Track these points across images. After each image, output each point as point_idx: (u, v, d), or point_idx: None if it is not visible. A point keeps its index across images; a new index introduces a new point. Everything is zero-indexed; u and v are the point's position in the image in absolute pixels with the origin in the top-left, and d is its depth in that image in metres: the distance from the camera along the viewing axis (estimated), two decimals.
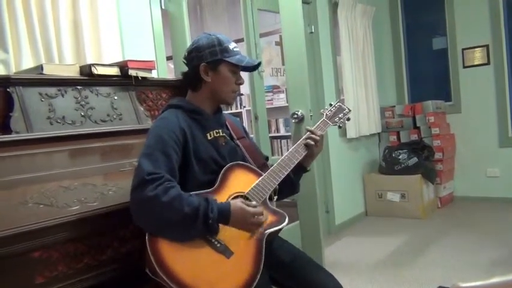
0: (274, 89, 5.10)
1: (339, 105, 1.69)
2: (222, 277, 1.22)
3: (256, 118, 3.39)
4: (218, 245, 1.26)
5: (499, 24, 4.27)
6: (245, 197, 1.38)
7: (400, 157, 4.18)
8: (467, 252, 3.07)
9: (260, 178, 1.43)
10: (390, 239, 3.54)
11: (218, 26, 5.22)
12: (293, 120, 2.51)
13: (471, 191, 4.54)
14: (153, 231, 1.21)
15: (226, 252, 1.25)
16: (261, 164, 1.55)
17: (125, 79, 1.74)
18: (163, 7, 2.76)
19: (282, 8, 2.48)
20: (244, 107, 5.33)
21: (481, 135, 4.46)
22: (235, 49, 1.46)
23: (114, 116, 1.66)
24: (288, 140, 5.10)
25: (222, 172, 1.40)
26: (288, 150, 1.54)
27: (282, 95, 4.98)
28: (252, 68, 1.52)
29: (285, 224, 1.39)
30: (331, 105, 1.69)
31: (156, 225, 1.21)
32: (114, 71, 1.72)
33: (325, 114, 1.65)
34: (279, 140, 5.28)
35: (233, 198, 1.36)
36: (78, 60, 2.03)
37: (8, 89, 1.41)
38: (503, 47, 4.28)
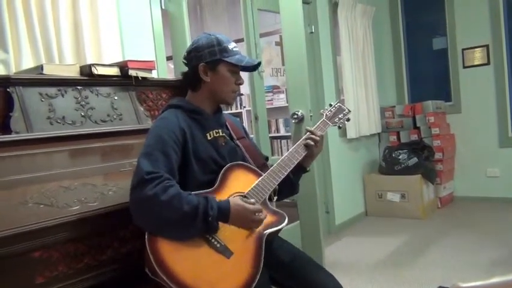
0: (274, 89, 5.10)
1: (339, 105, 1.69)
2: (222, 277, 1.22)
3: (256, 118, 3.39)
4: (218, 245, 1.26)
5: (499, 24, 4.27)
6: (245, 197, 1.38)
7: (400, 157, 4.18)
8: (467, 252, 3.07)
9: (260, 178, 1.43)
10: (390, 239, 3.54)
11: (218, 26, 5.22)
12: (293, 121, 2.51)
13: (471, 191, 4.54)
14: (153, 230, 1.21)
15: (226, 252, 1.26)
16: (261, 164, 1.56)
17: (125, 79, 1.74)
18: (163, 7, 2.76)
19: (282, 8, 2.48)
20: (244, 107, 5.33)
21: (481, 135, 4.46)
22: (234, 49, 1.46)
23: (114, 116, 1.66)
24: (288, 140, 5.10)
25: (221, 172, 1.40)
26: (288, 150, 1.54)
27: (282, 95, 4.98)
28: (252, 68, 1.51)
29: (284, 224, 1.40)
30: (331, 105, 1.69)
31: (156, 224, 1.21)
32: (114, 71, 1.72)
33: (325, 114, 1.65)
34: (279, 140, 5.28)
35: None
36: (78, 60, 2.03)
37: (8, 89, 1.41)
38: (503, 47, 4.28)
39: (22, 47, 1.82)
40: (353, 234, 3.82)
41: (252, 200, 1.34)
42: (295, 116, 2.49)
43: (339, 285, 1.45)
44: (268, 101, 4.88)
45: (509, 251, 3.01)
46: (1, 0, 1.75)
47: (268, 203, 1.43)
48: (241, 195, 1.38)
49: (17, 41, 1.82)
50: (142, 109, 1.78)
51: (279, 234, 1.48)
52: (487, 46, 4.34)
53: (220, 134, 1.49)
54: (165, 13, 2.76)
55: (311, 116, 2.48)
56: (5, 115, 1.39)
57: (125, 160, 1.55)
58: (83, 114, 1.57)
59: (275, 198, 1.47)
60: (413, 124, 4.50)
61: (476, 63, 4.43)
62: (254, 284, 1.23)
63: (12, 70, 1.78)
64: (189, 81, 1.49)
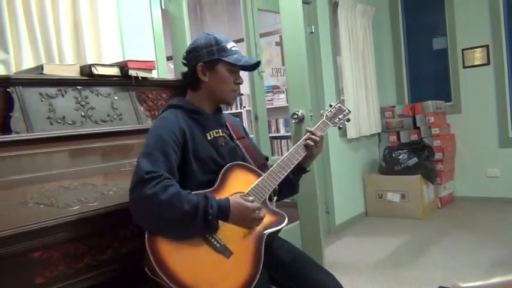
0: (274, 89, 5.10)
1: (339, 106, 1.69)
2: (222, 277, 1.22)
3: (256, 118, 3.39)
4: (217, 244, 1.26)
5: (499, 24, 4.27)
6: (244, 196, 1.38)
7: (400, 157, 4.18)
8: (468, 252, 3.07)
9: (260, 178, 1.43)
10: (390, 239, 3.54)
11: (218, 26, 5.22)
12: (293, 121, 2.51)
13: (471, 191, 4.54)
14: (153, 229, 1.21)
15: (225, 252, 1.25)
16: (261, 165, 1.56)
17: (125, 79, 1.74)
18: (163, 7, 2.76)
19: (282, 8, 2.48)
20: (245, 107, 5.33)
21: (481, 136, 4.46)
22: (233, 48, 1.45)
23: (114, 116, 1.66)
24: (288, 140, 5.10)
25: (221, 172, 1.40)
26: (288, 150, 1.54)
27: (282, 95, 4.98)
28: (252, 68, 1.51)
29: (284, 224, 1.39)
30: (331, 106, 1.69)
31: (156, 223, 1.21)
32: (114, 71, 1.72)
33: (325, 115, 1.65)
34: (279, 140, 5.28)
35: None
36: (78, 60, 2.03)
37: (8, 89, 1.41)
38: (503, 47, 4.28)
39: (22, 47, 1.82)
40: (353, 234, 3.82)
41: (251, 198, 1.34)
42: (295, 116, 2.49)
43: (339, 285, 1.45)
44: (268, 101, 4.88)
45: (509, 251, 3.01)
46: (1, 0, 1.75)
47: (268, 203, 1.43)
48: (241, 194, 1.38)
49: (17, 41, 1.82)
50: (142, 109, 1.78)
51: (279, 234, 1.48)
52: (487, 46, 4.34)
53: (220, 134, 1.49)
54: (165, 13, 2.76)
55: (311, 116, 2.48)
56: (5, 115, 1.39)
57: (125, 160, 1.55)
58: (83, 114, 1.57)
59: (275, 198, 1.47)
60: (413, 124, 4.50)
61: (476, 63, 4.43)
62: (253, 284, 1.23)
63: (13, 70, 1.78)
64: (188, 82, 1.49)
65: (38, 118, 1.44)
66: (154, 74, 2.06)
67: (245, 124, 5.10)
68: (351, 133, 4.04)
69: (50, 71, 1.56)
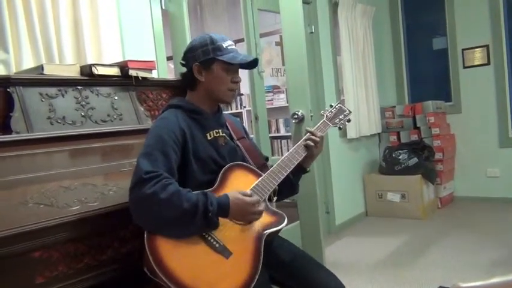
0: (274, 89, 5.10)
1: (340, 106, 1.69)
2: (221, 277, 1.22)
3: (256, 118, 3.39)
4: (217, 245, 1.26)
5: (499, 24, 4.27)
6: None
7: (400, 157, 4.18)
8: (468, 252, 3.07)
9: (260, 179, 1.43)
10: (390, 239, 3.54)
11: (218, 26, 5.22)
12: (293, 121, 2.51)
13: (471, 191, 4.54)
14: (153, 229, 1.21)
15: (225, 252, 1.25)
16: (261, 165, 1.56)
17: (125, 79, 1.74)
18: (163, 7, 2.76)
19: (282, 8, 2.48)
20: (245, 107, 5.33)
21: (481, 136, 4.45)
22: (229, 47, 1.44)
23: (115, 116, 1.66)
24: (288, 140, 5.10)
25: (221, 172, 1.40)
26: (288, 150, 1.54)
27: (282, 95, 4.98)
28: (250, 66, 1.51)
29: (284, 224, 1.39)
30: (331, 106, 1.68)
31: (156, 222, 1.21)
32: (115, 71, 1.72)
33: (325, 115, 1.65)
34: (279, 140, 5.28)
35: None
36: (78, 59, 2.03)
37: (8, 89, 1.41)
38: (504, 47, 4.28)
39: (22, 47, 1.82)
40: (353, 234, 3.82)
41: (249, 192, 1.34)
42: (296, 116, 2.49)
43: (341, 284, 1.45)
44: (268, 101, 4.88)
45: (509, 251, 3.01)
46: (1, 0, 1.75)
47: (268, 203, 1.43)
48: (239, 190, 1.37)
49: (18, 41, 1.82)
50: (142, 109, 1.78)
51: (279, 234, 1.48)
52: (487, 46, 4.34)
53: (220, 134, 1.49)
54: (165, 13, 2.76)
55: (311, 116, 2.48)
56: (5, 115, 1.39)
57: (125, 160, 1.55)
58: (83, 114, 1.57)
59: (275, 198, 1.47)
60: (413, 124, 4.50)
61: (476, 63, 4.43)
62: (253, 284, 1.23)
63: (13, 70, 1.78)
64: (187, 82, 1.49)
65: (38, 118, 1.44)
66: (154, 74, 2.06)
67: (245, 124, 5.10)
68: (351, 133, 4.04)
69: (50, 71, 1.56)
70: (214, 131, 1.47)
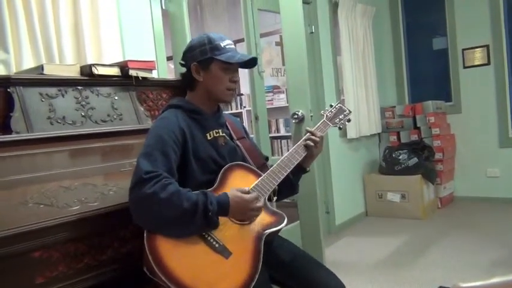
0: (274, 89, 5.10)
1: (340, 106, 1.69)
2: (221, 277, 1.22)
3: (256, 118, 3.39)
4: (216, 245, 1.26)
5: (499, 24, 4.27)
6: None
7: (400, 157, 4.18)
8: (468, 252, 3.07)
9: (260, 178, 1.43)
10: (390, 239, 3.54)
11: (218, 26, 5.22)
12: (293, 121, 2.51)
13: (471, 191, 4.54)
14: (153, 228, 1.21)
15: (224, 252, 1.25)
16: (261, 165, 1.56)
17: (126, 79, 1.74)
18: (163, 7, 2.76)
19: (282, 8, 2.48)
20: (245, 107, 5.32)
21: (481, 136, 4.45)
22: (227, 46, 1.43)
23: (115, 116, 1.66)
24: (288, 140, 5.10)
25: (221, 172, 1.40)
26: (288, 150, 1.54)
27: (282, 95, 4.98)
28: (249, 65, 1.50)
29: (283, 225, 1.39)
30: (331, 106, 1.68)
31: (156, 222, 1.21)
32: (115, 71, 1.72)
33: (325, 115, 1.65)
34: (279, 140, 5.28)
35: None
36: (78, 59, 2.03)
37: (8, 89, 1.41)
38: (504, 47, 4.28)
39: (22, 47, 1.82)
40: (353, 234, 3.82)
41: (247, 188, 1.34)
42: (296, 116, 2.49)
43: (341, 284, 1.45)
44: (268, 101, 4.88)
45: (509, 251, 3.01)
46: (2, 0, 1.76)
47: (268, 203, 1.43)
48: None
49: (18, 41, 1.82)
50: (142, 109, 1.78)
51: (279, 234, 1.48)
52: (487, 46, 4.34)
53: (220, 134, 1.49)
54: (165, 13, 2.76)
55: (311, 116, 2.48)
56: (5, 115, 1.39)
57: (125, 160, 1.55)
58: (83, 114, 1.57)
59: (275, 198, 1.47)
60: (413, 124, 4.50)
61: (476, 63, 4.43)
62: (253, 284, 1.23)
63: (13, 70, 1.78)
64: (186, 82, 1.50)
65: (38, 118, 1.44)
66: (154, 74, 2.06)
67: (245, 124, 5.10)
68: (351, 133, 4.04)
69: (50, 71, 1.57)
70: (214, 131, 1.47)
